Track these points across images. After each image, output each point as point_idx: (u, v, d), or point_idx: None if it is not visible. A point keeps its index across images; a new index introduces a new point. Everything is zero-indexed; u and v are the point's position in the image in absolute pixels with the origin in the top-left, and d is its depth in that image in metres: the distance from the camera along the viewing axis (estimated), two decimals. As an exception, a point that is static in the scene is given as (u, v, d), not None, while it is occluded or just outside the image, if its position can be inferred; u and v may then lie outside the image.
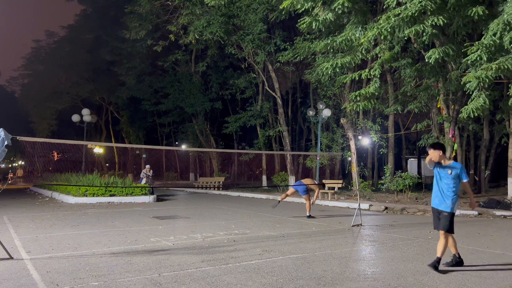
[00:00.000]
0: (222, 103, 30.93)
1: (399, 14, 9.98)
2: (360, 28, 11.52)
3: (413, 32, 9.87)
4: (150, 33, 25.69)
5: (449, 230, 5.24)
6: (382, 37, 10.72)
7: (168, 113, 34.70)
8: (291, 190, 11.79)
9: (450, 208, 5.25)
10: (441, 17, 9.45)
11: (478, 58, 9.25)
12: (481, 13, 9.26)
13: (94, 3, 36.76)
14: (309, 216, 10.81)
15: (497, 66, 8.87)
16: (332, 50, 12.56)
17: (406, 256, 6.05)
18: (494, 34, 8.92)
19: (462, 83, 10.03)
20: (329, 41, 12.31)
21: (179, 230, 8.62)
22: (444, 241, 5.26)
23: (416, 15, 9.63)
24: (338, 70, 12.31)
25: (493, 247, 6.71)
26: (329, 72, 12.32)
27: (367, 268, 5.35)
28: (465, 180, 5.41)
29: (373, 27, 10.64)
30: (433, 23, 9.50)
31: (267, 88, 24.65)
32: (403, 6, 9.99)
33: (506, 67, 8.79)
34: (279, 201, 11.94)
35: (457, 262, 5.40)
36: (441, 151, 5.38)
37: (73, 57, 37.39)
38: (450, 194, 5.30)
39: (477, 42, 9.34)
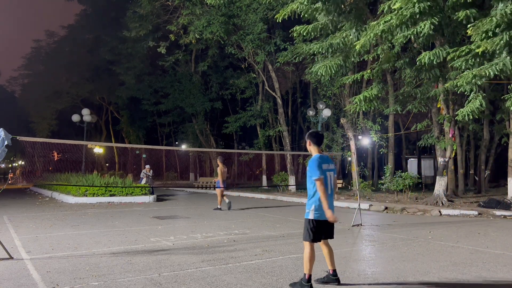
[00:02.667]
0: (222, 103, 30.91)
1: (390, 20, 9.94)
2: (354, 30, 11.48)
3: (402, 39, 9.82)
4: (151, 33, 25.68)
5: (304, 238, 4.45)
6: (383, 38, 10.69)
7: (168, 113, 34.71)
8: (219, 191, 13.03)
9: (305, 213, 4.48)
10: (429, 22, 9.34)
11: (464, 63, 9.16)
12: (472, 20, 9.08)
13: (94, 3, 36.80)
14: (217, 209, 12.81)
15: (477, 72, 8.77)
16: (330, 51, 12.52)
17: (406, 256, 6.05)
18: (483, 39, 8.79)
19: (454, 84, 10.01)
20: (320, 44, 12.27)
21: (179, 230, 8.63)
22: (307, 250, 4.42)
23: (405, 21, 9.56)
24: (326, 72, 12.24)
25: (493, 247, 6.71)
26: (321, 73, 12.25)
27: (367, 268, 5.34)
28: (313, 177, 4.33)
29: (366, 33, 10.60)
30: (424, 29, 9.37)
31: (267, 88, 24.65)
32: (391, 14, 9.93)
33: (487, 73, 8.69)
34: (220, 208, 12.94)
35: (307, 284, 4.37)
36: (309, 141, 4.57)
37: (73, 57, 37.44)
38: (308, 197, 4.49)
39: (460, 49, 9.23)
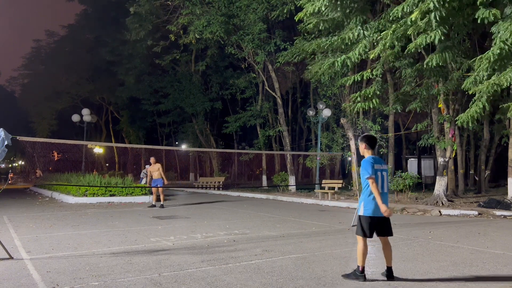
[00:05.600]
0: (222, 103, 30.92)
1: (402, 26, 9.94)
2: (359, 28, 11.49)
3: (414, 46, 9.85)
4: (150, 33, 25.66)
5: (356, 232, 4.87)
6: (384, 40, 10.71)
7: (168, 113, 34.71)
8: (154, 189, 13.90)
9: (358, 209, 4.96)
10: (439, 31, 9.33)
11: (489, 68, 9.07)
12: (492, 18, 8.90)
13: (95, 3, 36.77)
14: (153, 206, 13.79)
15: (504, 78, 8.70)
16: (331, 50, 12.52)
17: (406, 256, 6.05)
18: (506, 40, 8.65)
19: (462, 87, 9.99)
20: (323, 40, 12.26)
21: (179, 230, 8.63)
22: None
23: (420, 31, 9.58)
24: (332, 70, 12.24)
25: (493, 247, 6.71)
26: (323, 71, 12.24)
27: (367, 268, 5.32)
28: (366, 176, 4.75)
29: (379, 41, 10.63)
30: (431, 38, 9.37)
31: (267, 88, 24.65)
32: (404, 20, 9.91)
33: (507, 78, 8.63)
34: (161, 204, 13.79)
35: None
36: (364, 144, 4.95)
37: (73, 57, 37.43)
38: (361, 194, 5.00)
39: (484, 56, 9.07)
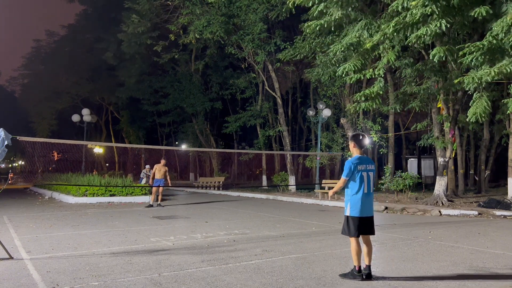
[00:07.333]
0: (222, 103, 30.91)
1: (404, 19, 9.95)
2: (366, 30, 11.51)
3: (415, 37, 9.86)
4: (149, 31, 25.60)
5: (343, 233, 4.93)
6: (384, 38, 10.70)
7: (168, 113, 34.70)
8: (155, 189, 14.08)
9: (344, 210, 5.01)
10: (444, 20, 9.39)
11: (474, 59, 9.15)
12: (484, 13, 9.09)
13: (95, 3, 36.77)
14: (150, 205, 13.85)
15: (498, 70, 8.76)
16: (346, 51, 12.52)
17: (406, 256, 6.05)
18: (496, 35, 8.79)
19: (456, 82, 10.00)
20: (340, 45, 12.24)
21: (179, 230, 8.63)
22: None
23: (420, 19, 9.59)
24: (350, 69, 12.27)
25: (493, 247, 6.71)
26: (346, 71, 12.24)
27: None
28: (342, 176, 4.89)
29: (378, 32, 10.62)
30: (436, 27, 9.41)
31: (267, 88, 24.65)
32: (406, 13, 9.91)
33: (508, 70, 8.68)
34: (158, 203, 13.99)
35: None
36: (353, 143, 4.99)
37: (73, 57, 37.44)
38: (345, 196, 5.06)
39: (472, 44, 9.23)
